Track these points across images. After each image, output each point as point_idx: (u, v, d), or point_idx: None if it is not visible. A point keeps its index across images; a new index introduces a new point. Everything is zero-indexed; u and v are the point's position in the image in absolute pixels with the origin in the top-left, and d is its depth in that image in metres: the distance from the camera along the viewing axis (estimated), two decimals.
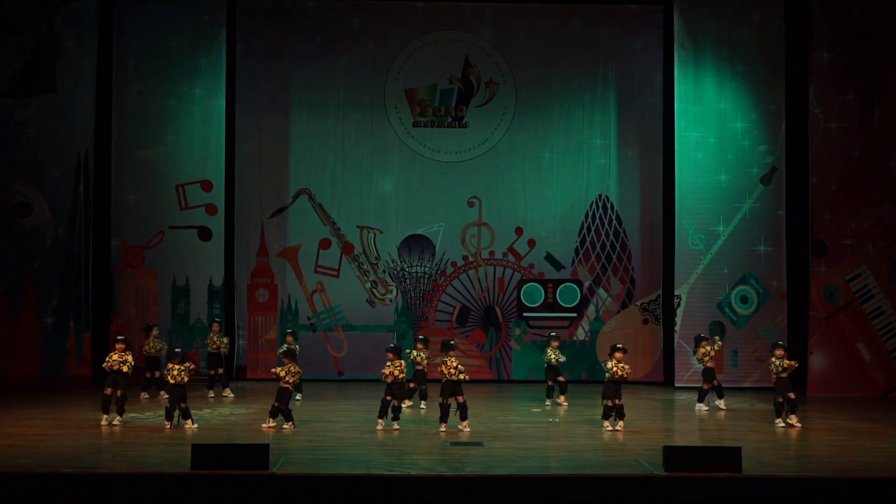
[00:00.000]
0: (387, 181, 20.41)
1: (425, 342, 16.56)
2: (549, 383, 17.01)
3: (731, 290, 19.49)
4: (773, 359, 14.51)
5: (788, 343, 18.96)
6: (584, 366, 20.21)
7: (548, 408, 16.62)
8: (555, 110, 20.36)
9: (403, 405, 16.23)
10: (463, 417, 13.83)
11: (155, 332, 17.43)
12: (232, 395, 17.41)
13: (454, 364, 13.77)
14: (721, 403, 16.50)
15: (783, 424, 14.43)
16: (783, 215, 19.54)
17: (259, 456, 10.99)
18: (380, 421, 13.91)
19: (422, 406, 16.30)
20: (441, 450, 12.64)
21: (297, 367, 14.02)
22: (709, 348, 16.36)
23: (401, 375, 13.84)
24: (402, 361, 13.98)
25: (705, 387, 16.39)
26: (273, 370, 14.09)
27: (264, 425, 13.87)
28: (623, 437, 13.56)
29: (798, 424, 14.37)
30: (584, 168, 20.38)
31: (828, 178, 18.89)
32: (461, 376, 13.73)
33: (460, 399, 13.76)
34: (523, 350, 20.33)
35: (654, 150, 20.28)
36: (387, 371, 13.78)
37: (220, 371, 17.60)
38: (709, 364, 16.40)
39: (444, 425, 13.76)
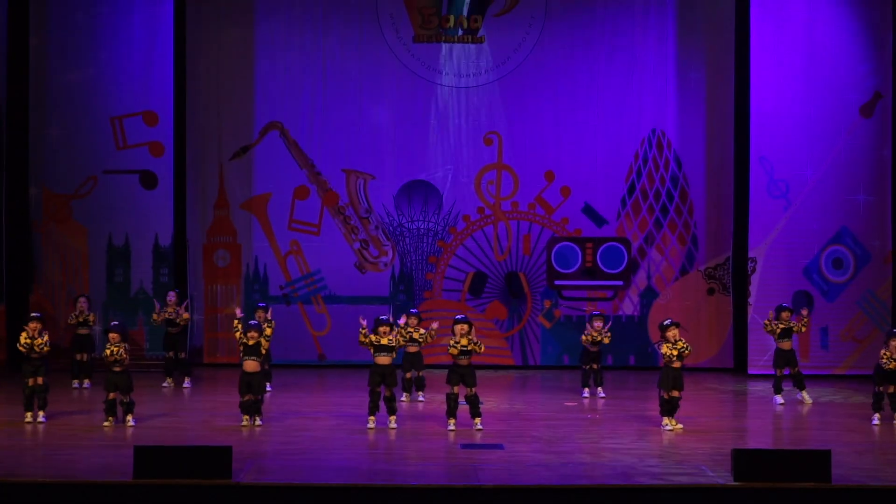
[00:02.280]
0: (380, 112, 20.37)
1: (418, 317, 16.59)
2: (586, 367, 17.09)
3: (820, 251, 19.50)
4: (884, 354, 14.43)
5: (893, 318, 19.00)
6: (632, 348, 20.28)
7: (586, 400, 16.72)
8: (596, 20, 20.26)
9: (403, 399, 16.37)
10: (475, 413, 13.91)
11: (83, 303, 17.52)
12: (188, 387, 17.54)
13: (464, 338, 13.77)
14: (805, 396, 16.57)
15: (878, 422, 14.50)
16: (888, 155, 19.49)
17: (220, 461, 11.06)
18: (370, 418, 14.01)
19: (420, 398, 16.42)
20: (449, 454, 12.73)
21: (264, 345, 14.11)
22: (792, 323, 16.43)
23: (403, 343, 13.93)
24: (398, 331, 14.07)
25: (779, 373, 16.46)
26: (237, 330, 14.09)
27: (243, 424, 14.00)
28: (681, 439, 13.64)
29: None
30: (633, 95, 20.31)
31: None
32: (478, 347, 13.71)
33: (472, 390, 13.82)
34: (554, 328, 20.40)
35: (723, 72, 20.19)
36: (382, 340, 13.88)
37: (182, 354, 17.74)
38: (785, 346, 16.45)
39: (452, 421, 13.85)
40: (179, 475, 10.99)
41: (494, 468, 11.80)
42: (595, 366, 17.00)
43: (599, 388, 17.03)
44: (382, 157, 20.34)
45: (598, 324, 16.96)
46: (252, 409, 14.04)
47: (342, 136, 20.31)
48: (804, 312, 16.85)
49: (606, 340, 16.95)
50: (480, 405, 14.07)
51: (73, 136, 19.56)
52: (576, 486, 11.19)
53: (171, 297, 17.83)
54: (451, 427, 13.79)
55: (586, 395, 17.00)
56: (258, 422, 14.06)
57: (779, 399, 16.43)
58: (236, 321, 14.27)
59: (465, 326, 13.73)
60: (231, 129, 20.25)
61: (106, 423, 13.96)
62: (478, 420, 13.91)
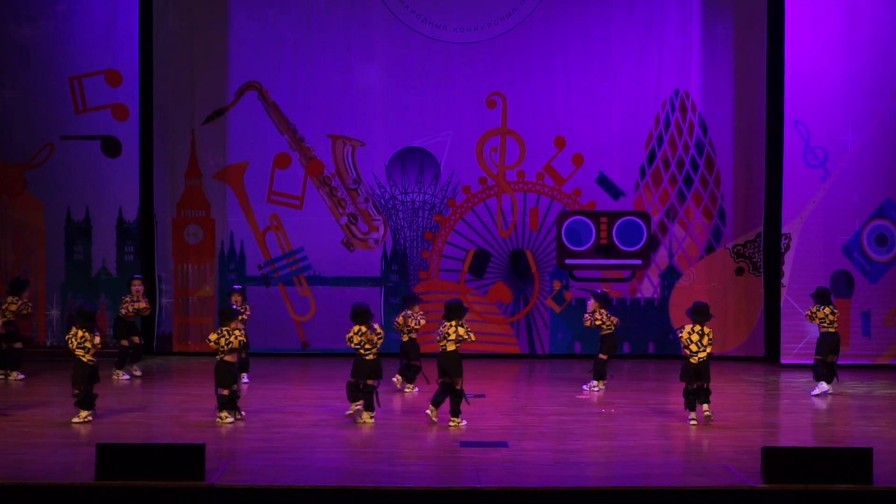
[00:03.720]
0: (370, 71, 20.33)
1: (415, 301, 16.63)
2: (602, 357, 17.11)
3: (863, 226, 19.49)
4: None
5: None
6: (652, 334, 20.30)
7: (596, 390, 16.74)
8: None
9: (406, 390, 16.40)
10: (454, 411, 13.89)
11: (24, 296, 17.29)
12: (139, 373, 17.54)
13: (454, 329, 13.78)
14: (828, 387, 16.62)
15: None
16: None
17: (192, 461, 11.07)
18: (367, 413, 14.04)
19: (413, 389, 16.43)
20: (447, 452, 12.75)
21: (240, 333, 14.08)
22: (828, 310, 16.45)
23: (368, 345, 13.91)
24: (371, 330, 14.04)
25: (828, 359, 16.51)
26: (209, 338, 14.14)
27: (218, 420, 14.01)
28: (705, 436, 13.66)
29: None
30: (653, 52, 20.27)
31: None
32: (470, 336, 13.76)
33: (457, 384, 13.82)
34: (565, 312, 20.41)
35: (754, 26, 20.14)
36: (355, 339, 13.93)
37: (137, 340, 17.73)
38: (829, 329, 16.48)
39: (456, 418, 13.87)
40: (146, 476, 11.00)
41: (497, 468, 11.81)
42: (604, 356, 17.02)
43: (597, 382, 16.98)
44: (373, 121, 20.31)
45: (589, 303, 16.98)
46: (230, 404, 14.07)
47: (328, 97, 20.27)
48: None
49: (590, 324, 16.88)
50: (481, 398, 14.05)
51: (26, 98, 19.52)
52: (587, 489, 11.21)
53: (137, 287, 17.68)
54: (452, 423, 13.81)
55: (597, 386, 16.99)
56: (236, 416, 14.06)
57: (824, 386, 16.55)
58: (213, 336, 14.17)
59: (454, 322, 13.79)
60: (204, 89, 20.20)
61: (77, 419, 13.96)
62: (456, 420, 13.88)
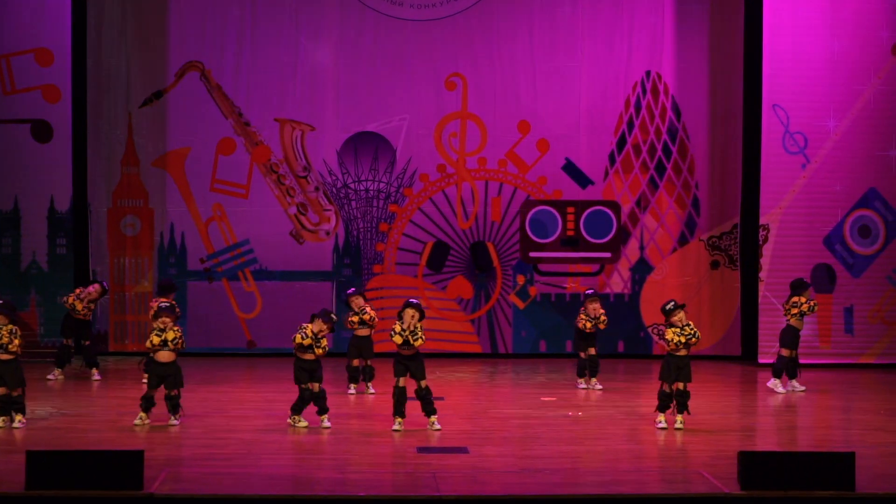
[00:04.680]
0: (321, 50, 20.30)
1: (364, 297, 16.65)
2: (582, 355, 17.16)
3: (845, 217, 19.61)
4: None
5: None
6: (622, 331, 20.36)
7: (582, 388, 16.80)
8: None
9: (351, 392, 16.40)
10: (428, 411, 13.92)
11: None
12: (99, 378, 17.51)
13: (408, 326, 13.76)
14: (796, 384, 16.85)
15: None
16: None
17: (129, 469, 11.03)
18: (295, 417, 14.04)
19: (371, 391, 16.46)
20: (404, 459, 12.75)
21: (178, 331, 14.06)
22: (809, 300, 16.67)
23: (307, 343, 13.90)
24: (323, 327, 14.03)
25: (785, 353, 16.80)
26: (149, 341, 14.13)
27: (171, 422, 14.01)
28: (678, 440, 13.73)
29: None
30: (623, 31, 20.33)
31: None
32: (417, 341, 13.76)
33: (423, 383, 13.83)
34: (529, 309, 20.45)
35: (731, 4, 20.23)
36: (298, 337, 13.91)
37: (87, 343, 17.67)
38: (797, 324, 16.74)
39: (399, 420, 13.86)
40: (81, 485, 10.94)
41: (457, 476, 11.82)
42: (593, 351, 17.08)
43: (594, 380, 17.10)
44: (323, 104, 20.28)
45: (595, 305, 17.01)
46: (175, 406, 14.06)
47: (275, 78, 20.23)
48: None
49: (602, 326, 17.02)
50: (440, 400, 14.07)
51: None
52: (554, 497, 11.24)
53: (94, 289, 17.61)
54: (397, 427, 13.80)
55: (583, 385, 17.07)
56: (172, 421, 14.04)
57: (779, 385, 16.77)
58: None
59: (417, 314, 13.72)
60: (141, 70, 20.13)
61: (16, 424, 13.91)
62: (434, 418, 13.92)
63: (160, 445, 13.06)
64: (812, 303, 16.82)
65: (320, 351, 13.89)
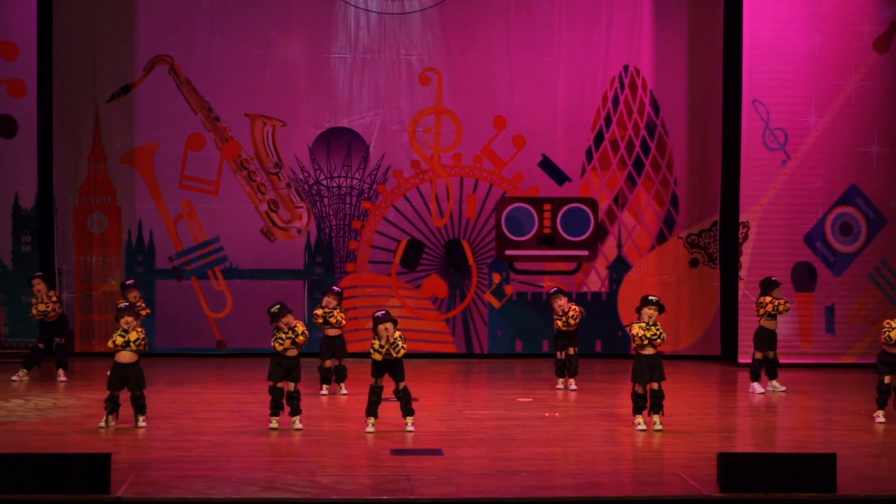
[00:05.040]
0: (292, 43, 20.27)
1: (338, 295, 16.64)
2: (560, 355, 17.18)
3: (826, 214, 19.68)
4: (886, 324, 14.64)
5: None
6: (600, 331, 20.40)
7: (560, 392, 16.82)
8: None
9: (323, 392, 16.39)
10: (406, 411, 13.94)
11: None
12: (65, 380, 17.47)
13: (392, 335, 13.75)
14: (777, 385, 16.90)
15: (883, 420, 14.70)
16: None
17: (95, 472, 11.00)
18: (273, 419, 14.03)
19: (343, 391, 16.46)
20: (377, 461, 12.76)
21: (141, 332, 14.03)
22: (775, 299, 16.74)
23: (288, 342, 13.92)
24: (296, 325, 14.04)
25: (761, 356, 16.83)
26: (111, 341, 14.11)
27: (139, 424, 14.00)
28: (657, 442, 13.76)
29: (882, 421, 14.67)
30: (601, 25, 20.36)
31: None
32: (399, 352, 13.76)
33: (401, 384, 13.85)
34: (505, 308, 20.46)
35: None
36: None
37: (61, 340, 17.61)
38: (768, 324, 16.82)
39: (372, 420, 13.86)
40: (46, 489, 10.91)
41: (432, 478, 11.82)
42: (572, 350, 17.09)
43: (572, 380, 17.13)
44: (295, 99, 20.26)
45: (560, 302, 17.02)
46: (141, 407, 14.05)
47: (246, 73, 20.19)
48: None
49: (572, 322, 17.00)
50: (414, 401, 14.08)
51: None
52: (529, 499, 11.25)
53: (39, 285, 17.52)
54: (370, 428, 13.80)
55: (560, 386, 17.09)
56: (140, 422, 14.02)
57: (758, 388, 16.83)
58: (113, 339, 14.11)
59: (391, 325, 13.69)
60: (109, 64, 20.06)
61: None
62: (410, 420, 13.93)
63: (127, 448, 13.04)
64: (778, 302, 16.82)
65: (302, 339, 13.91)
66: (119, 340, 13.94)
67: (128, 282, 17.57)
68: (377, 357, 13.60)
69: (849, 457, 12.37)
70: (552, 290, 17.49)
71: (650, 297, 14.18)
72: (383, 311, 13.87)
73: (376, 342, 13.59)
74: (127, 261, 20.09)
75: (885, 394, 14.70)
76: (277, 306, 14.05)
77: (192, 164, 20.14)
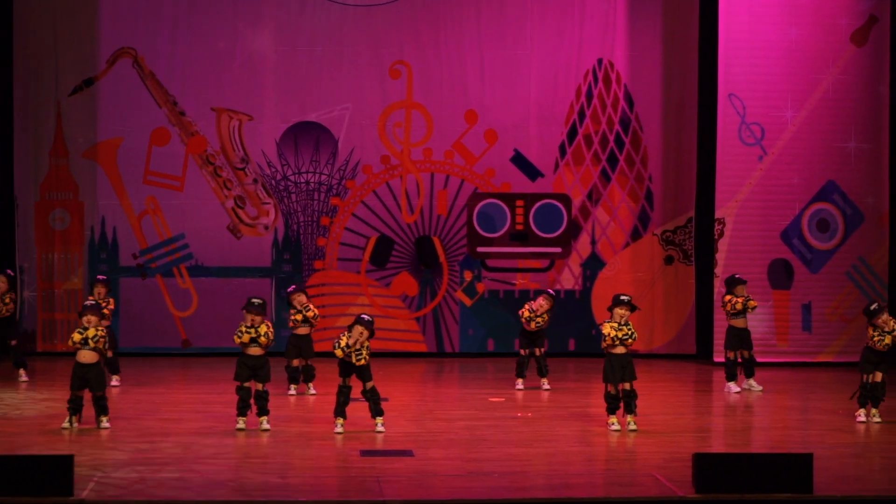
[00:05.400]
0: (260, 36, 20.24)
1: (306, 293, 16.65)
2: (524, 353, 17.17)
3: (803, 211, 19.75)
4: (874, 332, 14.64)
5: (889, 293, 19.31)
6: (573, 329, 20.43)
7: (519, 394, 16.83)
8: None
9: (291, 392, 16.38)
10: (375, 412, 13.94)
11: None
12: (27, 380, 17.41)
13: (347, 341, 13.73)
14: (753, 383, 16.98)
15: (864, 419, 14.77)
16: (886, 93, 19.77)
17: (58, 474, 10.98)
18: (241, 419, 14.02)
19: (311, 391, 16.46)
20: (347, 463, 12.76)
21: (100, 329, 13.99)
22: (735, 297, 16.81)
23: (262, 340, 13.90)
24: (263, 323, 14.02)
25: (732, 355, 16.93)
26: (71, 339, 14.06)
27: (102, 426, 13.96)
28: (631, 442, 13.79)
29: (878, 419, 14.72)
30: (574, 17, 20.38)
31: None
32: (362, 360, 13.74)
33: (369, 385, 13.85)
34: (477, 306, 20.47)
35: None
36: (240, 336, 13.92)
37: (13, 342, 17.55)
38: (735, 323, 16.87)
39: (340, 421, 13.87)
40: (7, 491, 10.87)
41: (402, 480, 11.83)
42: (539, 351, 17.09)
43: (543, 380, 17.13)
44: (262, 92, 20.23)
45: (542, 303, 17.01)
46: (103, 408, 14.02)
47: (212, 66, 20.16)
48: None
49: (533, 326, 16.97)
50: (384, 401, 14.09)
51: None
52: (501, 501, 11.27)
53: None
54: (339, 429, 13.81)
55: (520, 386, 17.09)
56: (103, 423, 13.99)
57: (734, 387, 16.87)
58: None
59: (368, 332, 13.68)
60: (71, 56, 19.99)
61: None
62: (380, 420, 13.94)
63: (90, 449, 13.00)
64: (740, 300, 16.83)
65: (264, 340, 13.90)
66: (77, 338, 13.89)
67: (100, 277, 17.48)
68: (338, 353, 13.60)
69: (826, 457, 12.43)
70: (550, 292, 17.39)
71: (622, 297, 14.21)
72: (370, 318, 13.84)
73: (344, 339, 13.58)
74: (90, 258, 20.03)
75: (867, 392, 14.72)
76: (261, 300, 14.05)
77: (157, 160, 20.09)
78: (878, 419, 14.66)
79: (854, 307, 19.54)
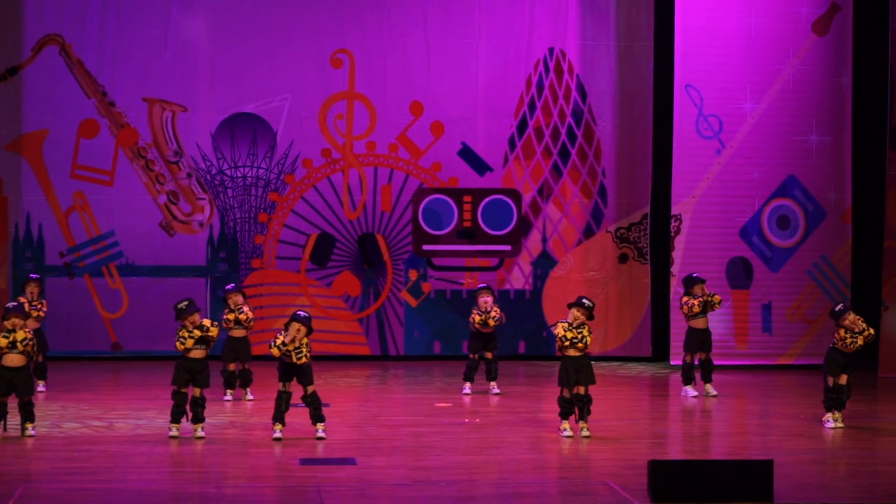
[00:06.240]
0: (194, 23, 20.18)
1: (243, 293, 16.63)
2: (473, 357, 17.19)
3: (762, 207, 19.85)
4: (845, 334, 14.69)
5: (852, 292, 19.44)
6: (523, 331, 20.47)
7: (467, 398, 16.84)
8: None
9: (227, 398, 16.34)
10: (316, 417, 13.92)
11: None
12: None
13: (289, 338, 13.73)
14: (709, 388, 17.03)
15: (833, 424, 14.85)
16: (848, 84, 19.91)
17: None
18: (174, 426, 13.98)
19: (248, 397, 16.42)
20: (285, 472, 12.73)
21: (28, 332, 13.92)
22: (701, 298, 16.86)
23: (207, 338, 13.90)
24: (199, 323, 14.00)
25: (689, 358, 16.99)
26: None
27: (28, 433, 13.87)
28: (585, 448, 13.82)
29: (840, 425, 14.83)
30: (524, 4, 20.42)
31: None
32: (303, 359, 13.75)
33: (310, 389, 13.84)
34: (422, 307, 20.48)
35: None
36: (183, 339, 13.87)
37: None
38: (695, 324, 16.95)
39: (279, 427, 13.85)
40: None
41: (343, 489, 11.82)
42: (489, 354, 17.09)
43: (493, 384, 17.15)
44: (197, 82, 20.18)
45: (486, 298, 17.03)
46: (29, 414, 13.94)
47: (143, 54, 20.08)
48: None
49: (491, 323, 17.01)
50: (325, 406, 14.08)
51: None
52: None
53: None
54: (278, 434, 13.79)
55: (468, 391, 17.10)
56: (29, 431, 13.91)
57: (691, 391, 16.91)
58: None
59: (305, 329, 13.68)
60: None
61: None
62: (320, 426, 13.93)
63: (15, 459, 12.94)
64: (696, 301, 16.88)
65: (214, 332, 13.87)
66: (2, 342, 13.80)
67: (32, 275, 17.37)
68: (275, 352, 13.58)
69: (786, 463, 12.50)
70: (481, 285, 17.48)
71: (584, 300, 14.18)
72: (306, 314, 13.83)
73: (280, 337, 13.57)
74: (14, 257, 19.92)
75: (834, 395, 14.76)
76: (185, 302, 14.00)
77: (85, 153, 20.00)
78: (840, 424, 14.73)
79: (816, 307, 19.68)
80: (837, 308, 14.87)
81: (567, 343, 14.06)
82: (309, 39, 20.24)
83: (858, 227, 19.99)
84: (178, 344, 13.89)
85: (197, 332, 13.85)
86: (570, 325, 14.10)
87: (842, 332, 14.67)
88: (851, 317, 14.66)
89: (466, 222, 20.48)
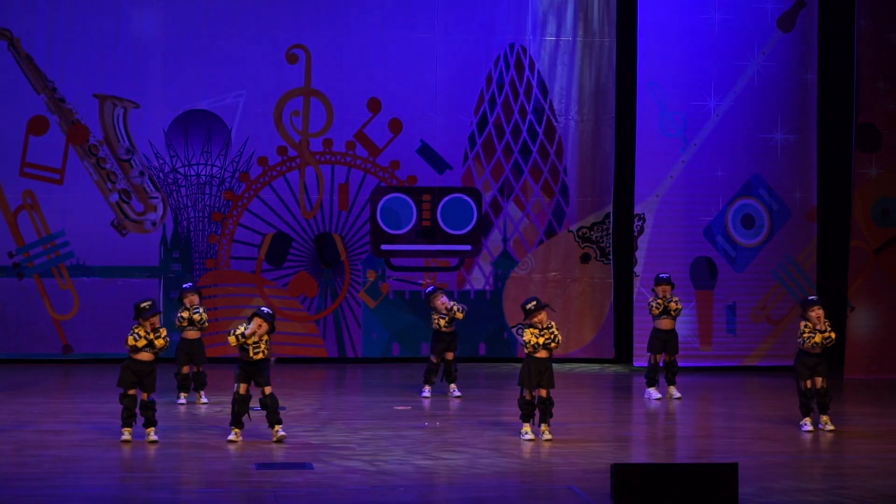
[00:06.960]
0: (146, 17, 20.13)
1: (200, 293, 16.62)
2: (434, 360, 17.21)
3: (727, 206, 19.94)
4: (805, 327, 14.77)
5: (817, 293, 19.53)
6: (484, 332, 20.49)
7: (427, 401, 16.86)
8: None
9: (180, 401, 16.31)
10: (273, 420, 13.93)
11: None
12: None
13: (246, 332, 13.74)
14: (672, 391, 17.10)
15: (810, 428, 14.91)
16: (814, 81, 20.02)
17: None
18: (126, 430, 13.95)
19: (203, 400, 16.41)
20: (241, 477, 12.72)
21: None
22: (660, 300, 16.90)
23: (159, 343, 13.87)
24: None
25: (654, 360, 17.04)
26: None
27: None
28: (547, 452, 13.86)
29: (831, 427, 14.89)
30: (484, 0, 20.51)
31: (884, 23, 19.36)
32: (259, 354, 13.76)
33: (267, 390, 13.84)
34: (381, 308, 20.49)
35: None
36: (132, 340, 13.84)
37: None
38: (660, 324, 17.00)
39: (236, 431, 13.85)
40: None
41: (300, 495, 11.83)
42: (450, 355, 17.11)
43: (453, 386, 17.17)
44: (149, 78, 20.13)
45: (443, 300, 17.05)
46: None
47: (94, 49, 20.04)
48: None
49: (460, 315, 17.03)
50: (282, 410, 14.08)
51: None
52: None
53: None
54: (234, 437, 13.79)
55: (427, 393, 17.12)
56: None
57: (654, 393, 16.98)
58: None
59: (267, 326, 13.70)
60: None
61: None
62: (278, 428, 13.93)
63: None
64: (659, 302, 16.93)
65: (161, 343, 13.83)
66: None
67: None
68: (231, 340, 13.59)
69: (751, 466, 12.57)
70: (429, 289, 17.52)
71: (529, 305, 14.14)
72: (270, 311, 13.85)
73: (241, 328, 13.59)
74: None
75: (808, 399, 14.83)
76: (148, 303, 13.96)
77: (35, 150, 19.94)
78: (831, 427, 14.78)
79: (781, 308, 19.79)
80: (810, 297, 14.95)
81: (540, 347, 14.08)
82: (264, 34, 20.23)
83: (824, 227, 20.10)
84: (130, 338, 13.81)
85: (151, 336, 13.83)
86: (540, 330, 14.08)
87: (802, 324, 14.71)
88: (819, 312, 14.69)
89: (426, 222, 20.50)
